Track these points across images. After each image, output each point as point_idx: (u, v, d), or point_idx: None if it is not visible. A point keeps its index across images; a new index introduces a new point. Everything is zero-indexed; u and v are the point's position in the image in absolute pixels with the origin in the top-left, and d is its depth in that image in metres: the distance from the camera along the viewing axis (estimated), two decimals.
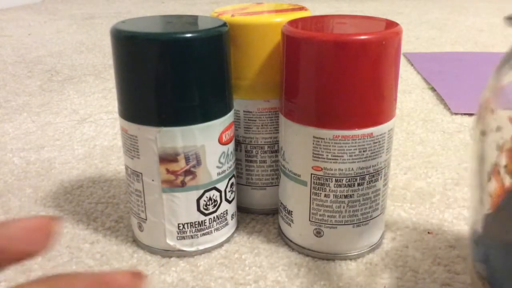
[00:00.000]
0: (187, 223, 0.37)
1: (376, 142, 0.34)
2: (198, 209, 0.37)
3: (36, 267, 0.37)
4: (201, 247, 0.38)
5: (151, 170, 0.35)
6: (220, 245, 0.39)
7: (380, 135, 0.34)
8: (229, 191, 0.38)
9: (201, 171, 0.36)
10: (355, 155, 0.34)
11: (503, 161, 0.26)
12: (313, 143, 0.34)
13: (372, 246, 0.38)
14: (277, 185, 0.40)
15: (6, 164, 0.53)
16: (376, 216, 0.37)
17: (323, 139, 0.34)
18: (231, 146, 0.38)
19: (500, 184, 0.26)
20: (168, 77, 0.33)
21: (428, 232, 0.40)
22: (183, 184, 0.36)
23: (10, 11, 1.49)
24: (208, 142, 0.35)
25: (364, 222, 0.36)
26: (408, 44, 1.04)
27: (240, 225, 0.42)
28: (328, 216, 0.36)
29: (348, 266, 0.37)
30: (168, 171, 0.35)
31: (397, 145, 0.57)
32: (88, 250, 0.39)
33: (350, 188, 0.35)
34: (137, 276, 0.16)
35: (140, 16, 0.82)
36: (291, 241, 0.39)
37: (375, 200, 0.36)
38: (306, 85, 0.34)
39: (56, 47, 1.05)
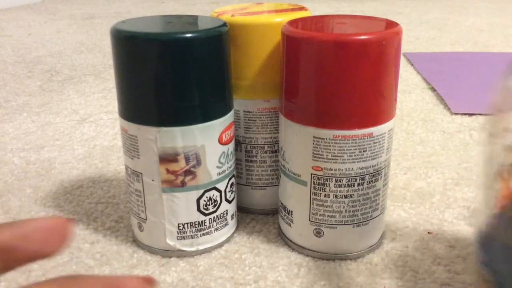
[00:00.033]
0: (187, 223, 0.37)
1: (376, 142, 0.34)
2: (198, 209, 0.37)
3: (36, 267, 0.37)
4: (201, 247, 0.38)
5: (151, 170, 0.35)
6: (220, 245, 0.39)
7: (380, 135, 0.34)
8: (229, 191, 0.38)
9: (201, 171, 0.36)
10: (355, 155, 0.34)
11: (509, 161, 0.26)
12: (313, 143, 0.34)
13: (372, 246, 0.38)
14: (277, 185, 0.40)
15: (6, 164, 0.53)
16: (376, 216, 0.37)
17: (323, 139, 0.34)
18: (231, 146, 0.38)
19: (506, 185, 0.26)
20: (168, 77, 0.33)
21: (428, 232, 0.40)
22: (183, 184, 0.36)
23: (10, 11, 1.49)
24: (208, 142, 0.35)
25: (364, 222, 0.36)
26: (408, 44, 1.04)
27: (240, 225, 0.42)
28: (328, 216, 0.36)
29: (348, 266, 0.37)
30: (168, 171, 0.35)
31: (397, 145, 0.57)
32: (88, 250, 0.39)
33: (350, 188, 0.35)
34: (149, 281, 0.16)
35: (140, 16, 0.82)
36: (291, 241, 0.39)
37: (375, 200, 0.36)
38: (306, 85, 0.34)
39: (56, 47, 1.05)
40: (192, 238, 0.37)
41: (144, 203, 0.37)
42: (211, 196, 0.37)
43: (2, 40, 1.11)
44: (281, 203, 0.39)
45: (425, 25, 1.23)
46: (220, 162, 0.36)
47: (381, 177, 0.36)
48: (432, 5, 1.52)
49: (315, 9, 1.36)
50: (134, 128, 0.35)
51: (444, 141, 0.58)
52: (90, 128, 0.63)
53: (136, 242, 0.39)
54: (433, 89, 0.76)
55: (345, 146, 0.34)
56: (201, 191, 0.36)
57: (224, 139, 0.36)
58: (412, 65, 0.88)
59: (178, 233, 0.37)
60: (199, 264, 0.37)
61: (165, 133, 0.34)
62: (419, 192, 0.47)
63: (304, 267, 0.37)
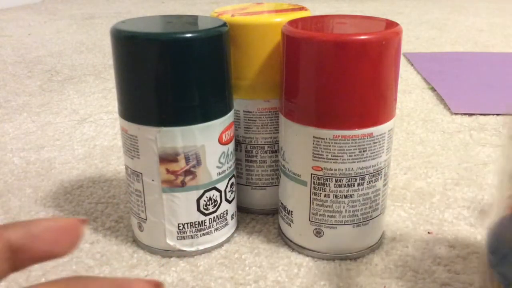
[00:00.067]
0: (187, 223, 0.37)
1: (376, 142, 0.34)
2: (198, 209, 0.37)
3: (36, 267, 0.37)
4: (201, 247, 0.38)
5: (151, 170, 0.35)
6: (220, 245, 0.39)
7: (380, 135, 0.34)
8: (229, 191, 0.38)
9: (201, 171, 0.36)
10: (355, 155, 0.34)
11: None
12: (313, 143, 0.34)
13: (372, 246, 0.38)
14: (277, 185, 0.40)
15: (6, 164, 0.53)
16: (376, 216, 0.37)
17: (323, 139, 0.34)
18: (231, 146, 0.38)
19: None
20: (168, 77, 0.33)
21: (428, 232, 0.40)
22: (183, 184, 0.36)
23: (10, 11, 1.49)
24: (208, 142, 0.35)
25: (364, 222, 0.36)
26: (408, 44, 1.04)
27: (240, 225, 0.42)
28: (328, 216, 0.36)
29: (348, 266, 0.37)
30: (168, 171, 0.35)
31: (397, 145, 0.57)
32: (88, 250, 0.39)
33: (350, 188, 0.35)
34: (155, 285, 0.16)
35: (140, 16, 0.82)
36: (291, 241, 0.39)
37: (375, 200, 0.36)
38: (306, 85, 0.34)
39: (56, 47, 1.05)
40: (192, 238, 0.37)
41: (144, 203, 0.37)
42: (211, 196, 0.37)
43: (2, 40, 1.11)
44: (281, 203, 0.39)
45: (425, 25, 1.23)
46: (220, 162, 0.36)
47: (381, 177, 0.36)
48: (432, 5, 1.52)
49: (315, 9, 1.36)
50: (134, 128, 0.35)
51: (444, 141, 0.58)
52: (90, 128, 0.63)
53: (136, 242, 0.39)
54: (433, 89, 0.76)
55: (345, 146, 0.34)
56: (201, 191, 0.36)
57: (224, 139, 0.36)
58: (412, 65, 0.88)
59: (178, 233, 0.37)
60: (199, 264, 0.37)
61: (165, 133, 0.34)
62: (419, 192, 0.47)
63: (304, 267, 0.37)
